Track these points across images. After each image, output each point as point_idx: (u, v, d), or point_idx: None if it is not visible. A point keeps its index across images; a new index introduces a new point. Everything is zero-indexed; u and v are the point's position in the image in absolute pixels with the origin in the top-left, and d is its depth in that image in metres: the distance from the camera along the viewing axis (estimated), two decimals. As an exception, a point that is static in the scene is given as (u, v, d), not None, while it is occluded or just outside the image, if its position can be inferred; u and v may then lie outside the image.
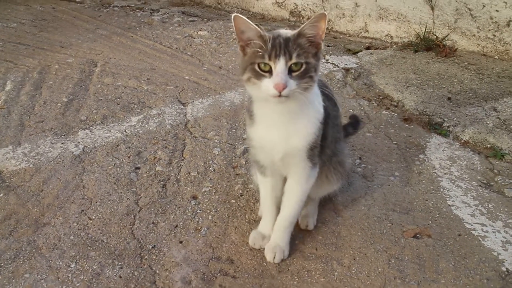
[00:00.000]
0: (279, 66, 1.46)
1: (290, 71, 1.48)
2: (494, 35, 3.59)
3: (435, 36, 3.80)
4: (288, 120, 1.61)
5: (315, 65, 1.53)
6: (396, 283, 1.75)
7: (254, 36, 1.51)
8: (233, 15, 1.49)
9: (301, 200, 1.81)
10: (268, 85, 1.48)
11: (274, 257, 1.83)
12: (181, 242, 1.94)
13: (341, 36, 4.34)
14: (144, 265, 1.82)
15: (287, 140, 1.64)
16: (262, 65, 1.49)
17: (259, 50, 1.49)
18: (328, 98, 1.84)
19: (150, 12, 4.87)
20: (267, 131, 1.66)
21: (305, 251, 1.90)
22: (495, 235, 1.99)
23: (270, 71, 1.49)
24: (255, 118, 1.69)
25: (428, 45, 3.79)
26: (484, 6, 3.55)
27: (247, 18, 1.50)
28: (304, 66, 1.49)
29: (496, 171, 2.41)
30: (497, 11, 3.50)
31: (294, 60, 1.47)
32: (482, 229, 2.02)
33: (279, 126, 1.63)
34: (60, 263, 1.82)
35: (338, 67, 3.57)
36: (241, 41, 1.54)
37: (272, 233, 1.86)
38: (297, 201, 1.80)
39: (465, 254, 1.89)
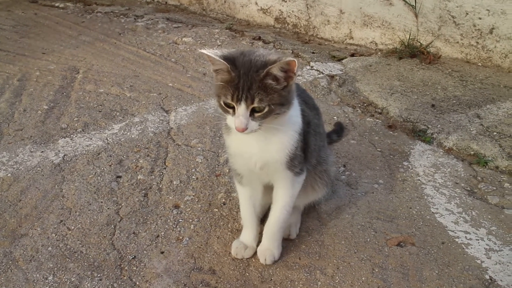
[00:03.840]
0: (240, 110, 1.48)
1: (253, 111, 1.49)
2: (477, 42, 3.61)
3: (419, 43, 3.82)
4: (264, 134, 1.59)
5: (284, 99, 1.52)
6: (380, 293, 1.74)
7: (222, 69, 1.50)
8: (200, 51, 1.50)
9: (289, 205, 1.80)
10: (231, 122, 1.53)
11: (265, 260, 1.84)
12: (162, 252, 1.90)
13: (326, 43, 4.34)
14: (124, 276, 1.78)
15: (265, 152, 1.64)
16: (226, 102, 1.51)
17: (225, 85, 1.49)
18: (309, 107, 1.83)
19: (134, 18, 4.83)
20: (244, 140, 1.65)
21: (288, 261, 1.87)
22: (478, 242, 1.98)
23: (234, 108, 1.50)
24: (231, 128, 1.67)
25: (412, 52, 3.80)
26: (467, 13, 3.58)
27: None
28: (266, 109, 1.49)
29: (479, 178, 2.41)
30: (480, 18, 3.53)
31: (255, 104, 1.47)
32: (465, 237, 2.01)
33: (256, 138, 1.61)
34: (37, 275, 1.77)
35: (322, 74, 3.57)
36: (212, 66, 1.54)
37: (262, 238, 1.86)
38: (284, 206, 1.79)
39: (448, 262, 1.88)
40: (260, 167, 1.67)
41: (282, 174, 1.71)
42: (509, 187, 2.33)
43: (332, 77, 3.52)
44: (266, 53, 1.54)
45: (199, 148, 2.58)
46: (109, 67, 3.58)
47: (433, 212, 2.15)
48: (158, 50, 3.98)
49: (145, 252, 1.90)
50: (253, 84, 1.46)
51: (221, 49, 1.56)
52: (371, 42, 4.15)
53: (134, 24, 4.65)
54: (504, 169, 2.46)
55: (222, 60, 1.47)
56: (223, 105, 1.52)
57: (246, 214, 1.86)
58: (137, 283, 1.75)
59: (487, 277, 1.81)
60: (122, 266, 1.83)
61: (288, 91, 1.53)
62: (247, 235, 1.88)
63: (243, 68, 1.48)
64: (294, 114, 1.65)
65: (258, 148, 1.64)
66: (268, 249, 1.85)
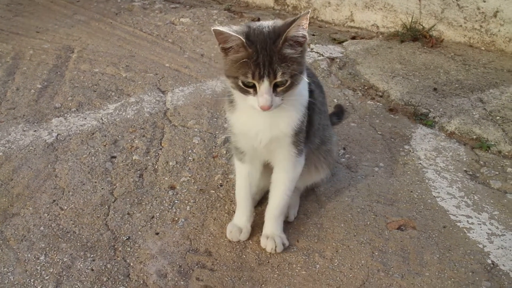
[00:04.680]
0: (263, 87, 1.40)
1: (275, 86, 1.42)
2: (481, 26, 3.54)
3: (422, 26, 3.75)
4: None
5: (302, 66, 1.46)
6: (379, 276, 1.70)
7: (236, 45, 1.41)
8: (212, 29, 1.39)
9: (289, 189, 1.75)
10: (253, 102, 1.45)
11: (275, 247, 1.76)
12: (157, 233, 1.85)
13: (326, 26, 4.26)
14: (118, 257, 1.74)
15: (272, 127, 1.58)
16: (246, 82, 1.43)
17: (242, 64, 1.40)
18: (315, 84, 1.77)
19: (131, -2, 4.72)
20: (250, 117, 1.58)
21: (286, 243, 1.83)
22: (480, 227, 1.95)
23: (254, 87, 1.43)
24: (236, 105, 1.61)
25: (414, 35, 3.73)
26: (470, -4, 3.51)
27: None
28: (289, 81, 1.42)
29: (481, 162, 2.36)
30: (484, 1, 3.46)
31: (278, 79, 1.41)
32: (467, 221, 1.97)
33: (263, 114, 1.53)
34: (29, 255, 1.73)
35: (323, 56, 3.50)
36: (222, 45, 1.43)
37: (264, 224, 1.81)
38: (285, 190, 1.74)
39: (450, 247, 1.84)
40: (265, 144, 1.61)
41: (285, 150, 1.65)
42: (512, 171, 2.29)
43: (332, 59, 3.46)
44: (272, 22, 1.47)
45: (196, 129, 2.53)
46: (104, 47, 3.50)
47: (434, 196, 2.11)
48: (155, 30, 3.89)
49: (139, 233, 1.85)
50: (273, 57, 1.38)
51: (229, 25, 1.47)
52: (373, 25, 4.07)
53: (131, 3, 4.54)
54: (507, 153, 2.42)
55: (238, 35, 1.37)
56: (242, 85, 1.44)
57: (241, 193, 1.80)
58: (131, 264, 1.71)
59: (489, 261, 1.77)
60: (115, 246, 1.79)
61: (303, 56, 1.46)
62: (241, 217, 1.83)
63: (259, 42, 1.39)
64: (302, 87, 1.58)
65: (265, 124, 1.57)
66: (275, 234, 1.78)
